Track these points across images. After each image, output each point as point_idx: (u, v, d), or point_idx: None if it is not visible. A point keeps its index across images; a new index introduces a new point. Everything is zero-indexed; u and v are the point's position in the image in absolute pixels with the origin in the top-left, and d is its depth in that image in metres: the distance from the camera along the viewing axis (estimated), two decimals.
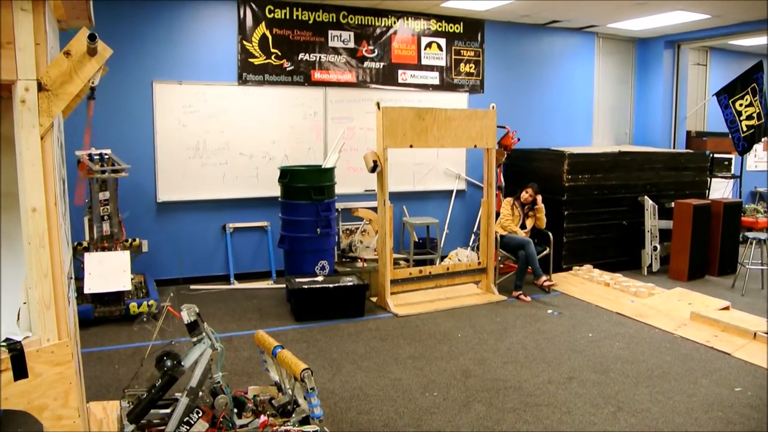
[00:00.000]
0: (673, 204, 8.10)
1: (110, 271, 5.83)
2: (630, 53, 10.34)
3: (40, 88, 2.12)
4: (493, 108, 7.04)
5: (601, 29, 9.60)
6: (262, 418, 3.03)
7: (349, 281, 6.37)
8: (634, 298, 6.81)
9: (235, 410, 3.06)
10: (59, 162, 2.49)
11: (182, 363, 2.83)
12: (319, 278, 6.46)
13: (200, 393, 2.85)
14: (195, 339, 2.92)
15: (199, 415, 2.75)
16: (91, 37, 2.21)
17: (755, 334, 5.48)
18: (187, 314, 2.91)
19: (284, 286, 6.68)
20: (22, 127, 2.10)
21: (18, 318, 2.44)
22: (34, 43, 2.10)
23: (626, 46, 10.27)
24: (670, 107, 10.20)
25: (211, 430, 2.84)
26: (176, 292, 3.22)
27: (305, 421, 3.07)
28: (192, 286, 7.30)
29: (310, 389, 2.97)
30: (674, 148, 10.20)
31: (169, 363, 2.80)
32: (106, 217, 6.04)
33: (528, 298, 6.92)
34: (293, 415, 3.12)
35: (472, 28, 8.74)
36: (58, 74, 2.17)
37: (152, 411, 2.89)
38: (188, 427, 2.74)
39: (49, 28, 2.26)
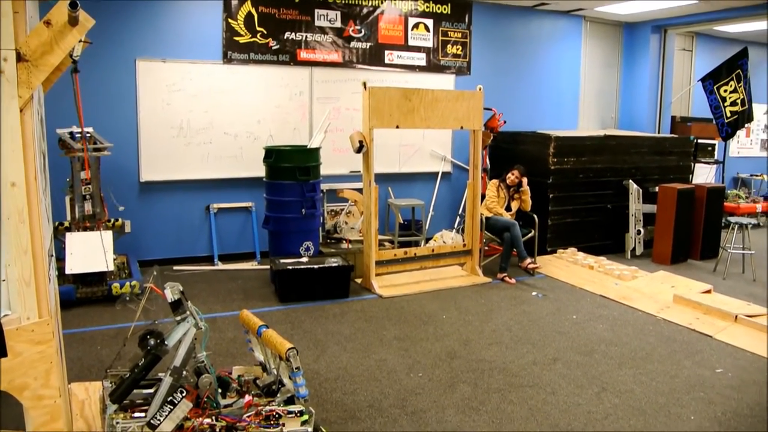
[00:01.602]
0: (657, 188, 8.14)
1: (92, 252, 5.75)
2: (617, 37, 10.33)
3: (20, 58, 2.07)
4: (479, 90, 7.01)
5: (589, 13, 9.58)
6: (247, 398, 3.01)
7: (334, 262, 6.35)
8: (617, 281, 6.85)
9: (220, 390, 3.03)
10: (39, 136, 2.43)
11: (166, 342, 2.79)
12: (304, 259, 6.42)
13: (184, 373, 2.82)
14: (179, 318, 2.87)
15: (183, 394, 2.71)
16: (72, 5, 2.14)
17: (736, 316, 5.54)
18: (170, 293, 2.87)
19: (269, 267, 6.64)
20: (1, 99, 2.05)
21: None
22: (12, 11, 2.03)
23: (613, 30, 10.26)
24: (656, 92, 10.22)
25: (195, 410, 2.81)
26: (159, 271, 3.17)
27: (290, 401, 3.05)
28: (175, 267, 7.23)
29: (296, 369, 2.94)
30: (659, 132, 10.23)
31: (152, 342, 2.76)
32: (88, 197, 5.95)
33: (513, 281, 6.93)
34: (278, 395, 3.09)
35: (459, 9, 8.68)
36: (38, 44, 2.11)
37: (135, 391, 2.86)
38: (172, 407, 2.69)
39: None
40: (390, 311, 5.90)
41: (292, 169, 6.59)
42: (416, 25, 8.42)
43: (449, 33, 8.66)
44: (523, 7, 9.16)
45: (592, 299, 6.39)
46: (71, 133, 5.91)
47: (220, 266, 7.39)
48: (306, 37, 7.76)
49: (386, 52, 8.25)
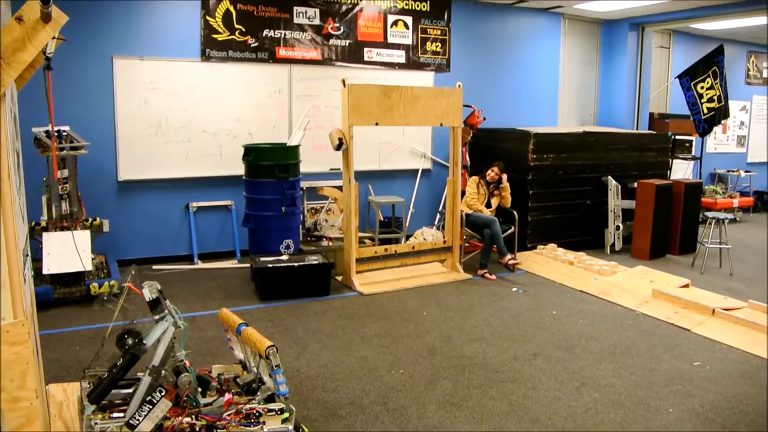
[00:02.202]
0: (635, 184, 8.20)
1: (70, 252, 5.69)
2: (595, 35, 10.40)
3: None
4: (459, 87, 7.01)
5: (567, 10, 9.63)
6: (227, 396, 2.99)
7: (314, 260, 6.33)
8: (597, 276, 6.89)
9: (200, 389, 3.01)
10: (12, 134, 2.40)
11: (144, 341, 2.76)
12: (284, 257, 6.40)
13: (163, 372, 2.79)
14: (157, 317, 2.85)
15: (162, 393, 2.69)
16: (45, 1, 2.11)
17: (714, 310, 5.59)
18: (148, 291, 2.84)
19: (249, 265, 6.60)
20: None
21: None
22: None
23: (591, 27, 10.32)
24: (634, 89, 10.31)
25: (175, 409, 2.79)
26: (138, 270, 3.14)
27: (270, 398, 3.04)
28: (155, 266, 7.17)
29: (275, 366, 2.93)
30: (637, 129, 10.32)
31: (130, 341, 2.74)
32: (65, 196, 5.88)
33: (493, 277, 6.95)
34: (258, 393, 3.08)
35: (438, 6, 8.68)
36: (10, 41, 2.08)
37: (114, 391, 2.83)
38: (151, 406, 2.67)
39: None
40: (371, 308, 5.90)
41: (271, 167, 6.56)
42: (395, 23, 8.41)
43: (428, 30, 8.66)
44: (502, 4, 9.19)
45: (572, 294, 6.43)
46: (47, 132, 5.84)
47: (200, 265, 7.34)
48: (285, 34, 7.72)
49: (365, 49, 8.24)
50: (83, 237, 5.85)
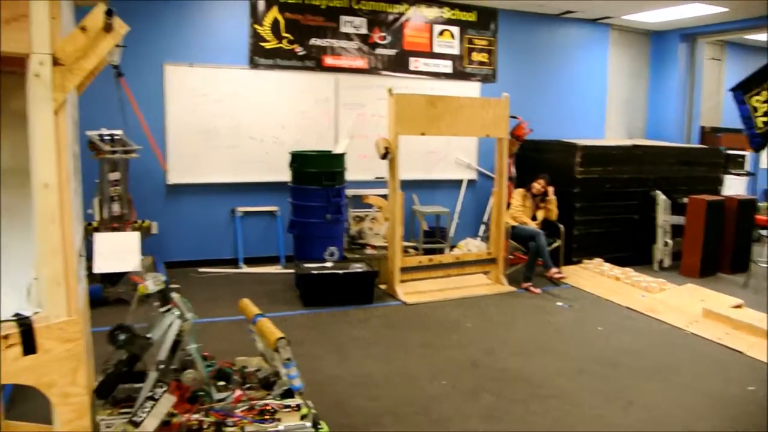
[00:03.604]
0: (685, 199, 8.01)
1: (120, 252, 5.79)
2: (645, 46, 10.23)
3: (55, 62, 2.08)
4: (505, 97, 6.96)
5: (616, 21, 9.50)
6: (237, 392, 2.90)
7: (358, 268, 6.34)
8: (644, 292, 6.75)
9: (221, 383, 2.95)
10: (72, 138, 2.45)
11: (150, 335, 2.71)
12: (329, 264, 6.42)
13: (171, 366, 2.73)
14: (163, 310, 2.81)
15: (164, 389, 2.60)
16: (109, 13, 2.17)
17: None
18: (152, 284, 2.81)
19: (293, 271, 6.64)
20: (36, 101, 2.07)
21: (29, 294, 2.41)
22: (49, 17, 2.06)
23: (641, 38, 10.16)
24: (685, 102, 10.10)
25: (185, 405, 2.72)
26: (150, 263, 3.11)
27: (288, 393, 2.92)
28: (200, 269, 7.27)
29: (286, 360, 2.86)
30: (688, 143, 10.10)
31: (122, 337, 2.67)
32: (116, 198, 6.01)
33: (537, 290, 6.87)
34: (275, 388, 2.98)
35: (485, 16, 8.66)
36: (73, 49, 2.13)
37: (127, 386, 2.78)
38: (153, 402, 2.58)
39: (64, 3, 2.23)
40: (413, 318, 5.88)
41: (317, 174, 6.60)
42: (442, 32, 8.42)
43: (475, 40, 8.64)
44: (549, 15, 9.11)
45: (618, 311, 6.31)
46: (101, 135, 5.99)
47: (245, 269, 7.41)
48: (332, 43, 7.78)
49: (411, 59, 8.25)
50: (133, 238, 5.95)
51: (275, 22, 7.48)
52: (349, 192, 7.53)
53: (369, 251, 7.23)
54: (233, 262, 7.57)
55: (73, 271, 2.25)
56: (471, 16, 8.57)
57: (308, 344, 5.04)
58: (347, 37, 7.87)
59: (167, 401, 2.57)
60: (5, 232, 2.59)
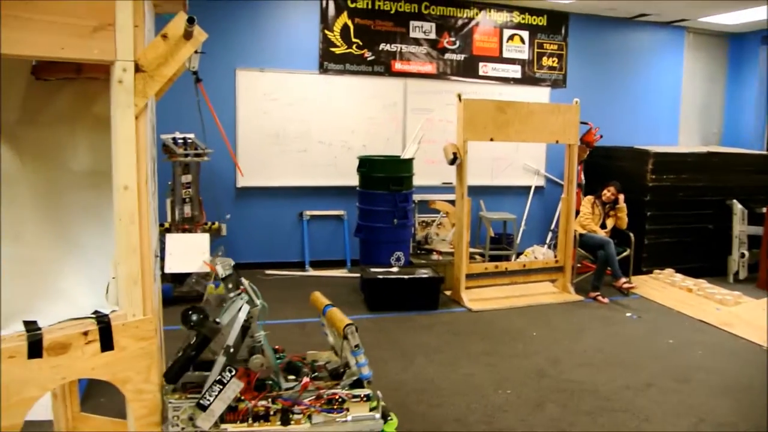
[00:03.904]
0: (764, 209, 7.73)
1: (190, 253, 5.99)
2: (722, 49, 9.91)
3: (137, 69, 2.16)
4: (576, 103, 6.87)
5: (692, 24, 9.23)
6: (305, 379, 2.89)
7: (424, 273, 6.36)
8: (719, 305, 6.54)
9: (291, 376, 2.89)
10: (151, 142, 2.54)
11: (218, 320, 2.68)
12: (394, 269, 6.47)
13: (239, 352, 2.70)
14: (232, 294, 2.78)
15: (232, 373, 2.56)
16: (190, 20, 2.24)
17: None
18: (222, 268, 2.81)
19: (359, 275, 6.71)
20: (118, 106, 2.15)
21: (107, 292, 2.52)
22: (132, 25, 2.13)
23: (718, 41, 9.85)
24: (764, 107, 9.71)
25: (252, 392, 2.68)
26: (224, 252, 3.09)
27: (357, 384, 2.86)
28: (267, 271, 7.42)
29: (355, 347, 2.82)
30: (767, 150, 9.72)
31: (195, 317, 2.63)
32: (187, 200, 6.21)
33: (606, 300, 6.75)
34: (344, 378, 2.92)
35: (555, 21, 8.56)
36: (155, 56, 2.20)
37: (196, 373, 2.73)
38: (221, 386, 2.54)
39: (147, 11, 2.31)
40: (479, 325, 5.86)
41: (385, 179, 6.65)
42: (511, 37, 8.36)
43: (545, 45, 8.55)
44: (622, 18, 8.93)
45: (690, 323, 6.13)
46: (174, 139, 6.19)
47: (311, 272, 7.53)
48: (401, 48, 7.83)
49: (480, 63, 8.23)
50: (202, 240, 6.14)
51: (345, 28, 7.58)
52: (417, 197, 7.56)
53: (435, 257, 7.24)
54: (300, 265, 7.70)
55: (150, 271, 2.33)
56: (541, 21, 8.49)
57: (373, 348, 5.08)
58: (416, 42, 7.90)
59: (235, 386, 2.55)
60: (84, 232, 2.71)
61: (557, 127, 6.75)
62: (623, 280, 6.84)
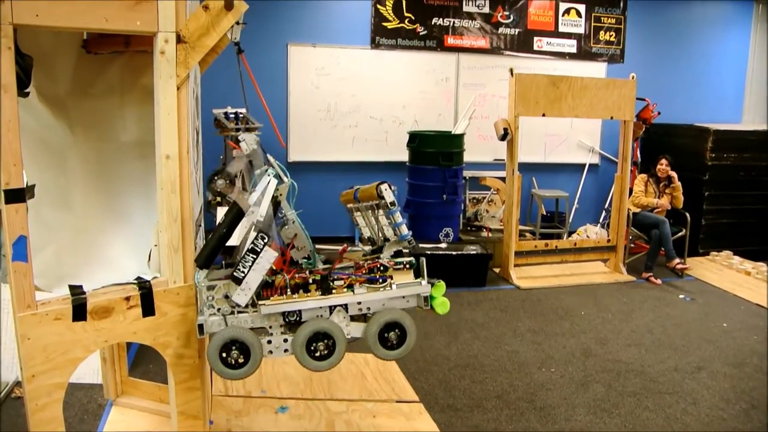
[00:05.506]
0: None
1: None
2: None
3: (179, 40, 2.20)
4: (632, 78, 6.69)
5: None
6: (344, 245, 2.73)
7: (472, 250, 6.34)
8: None
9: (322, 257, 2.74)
10: (194, 113, 2.58)
11: (247, 197, 2.50)
12: (443, 245, 6.46)
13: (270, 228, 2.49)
14: (258, 171, 2.59)
15: (266, 240, 2.33)
16: None
17: None
18: (246, 144, 2.74)
19: None
20: (161, 77, 2.20)
21: (149, 259, 2.58)
22: None
23: None
24: None
25: (284, 267, 2.51)
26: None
27: (398, 254, 2.70)
28: (317, 246, 7.47)
29: (390, 204, 2.65)
30: None
31: (220, 182, 2.43)
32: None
33: (658, 281, 6.60)
34: (384, 251, 2.75)
35: None
36: (196, 27, 2.24)
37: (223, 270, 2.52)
38: (255, 256, 2.30)
39: None
40: (526, 303, 5.82)
41: (435, 154, 6.63)
42: (567, 11, 8.15)
43: (602, 19, 8.31)
44: None
45: (746, 307, 5.96)
46: (225, 113, 6.26)
47: (360, 247, 7.55)
48: (453, 22, 7.73)
49: (535, 38, 8.06)
50: None
51: (397, 2, 7.52)
52: (467, 173, 7.50)
53: (484, 234, 7.20)
54: (350, 240, 7.75)
55: (190, 240, 2.38)
56: None
57: (418, 323, 5.06)
58: (469, 16, 7.79)
59: (269, 255, 2.33)
60: (130, 201, 2.79)
61: (612, 103, 6.59)
62: (677, 260, 6.68)
